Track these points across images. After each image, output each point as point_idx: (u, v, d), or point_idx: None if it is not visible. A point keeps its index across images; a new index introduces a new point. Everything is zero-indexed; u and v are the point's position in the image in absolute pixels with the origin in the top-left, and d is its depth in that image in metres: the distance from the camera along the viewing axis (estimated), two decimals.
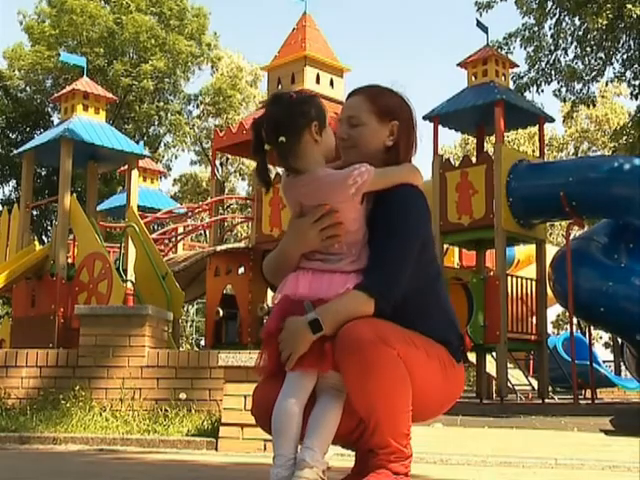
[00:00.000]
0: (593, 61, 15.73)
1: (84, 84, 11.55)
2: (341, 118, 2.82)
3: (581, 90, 15.88)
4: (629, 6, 13.53)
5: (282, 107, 2.61)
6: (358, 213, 2.61)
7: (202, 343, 26.43)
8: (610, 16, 14.01)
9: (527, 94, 15.25)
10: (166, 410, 5.88)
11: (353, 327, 2.50)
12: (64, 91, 11.91)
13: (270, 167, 2.68)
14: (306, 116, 2.60)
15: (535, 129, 13.52)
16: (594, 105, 17.25)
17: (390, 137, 2.77)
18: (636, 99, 16.18)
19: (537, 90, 15.54)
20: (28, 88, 29.77)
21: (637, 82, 15.90)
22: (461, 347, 2.81)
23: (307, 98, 2.67)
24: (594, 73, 15.70)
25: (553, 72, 15.55)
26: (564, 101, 16.23)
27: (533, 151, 12.87)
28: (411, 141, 2.82)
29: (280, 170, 2.81)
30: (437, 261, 2.89)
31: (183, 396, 5.99)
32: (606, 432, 6.37)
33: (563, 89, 15.87)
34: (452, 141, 39.80)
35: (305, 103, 2.63)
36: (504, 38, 15.68)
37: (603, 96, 34.14)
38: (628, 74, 15.94)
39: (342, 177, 2.55)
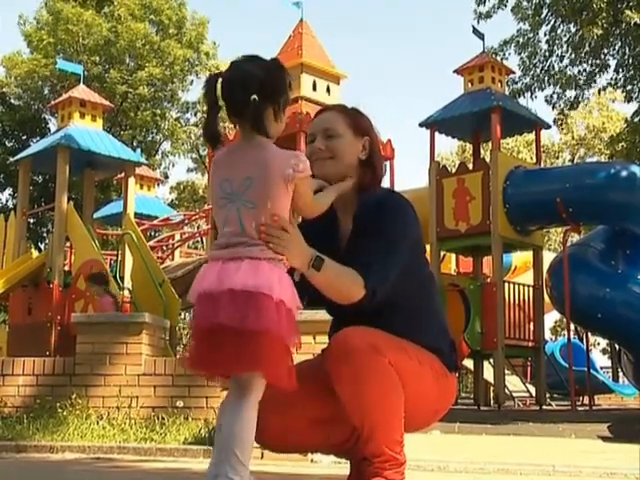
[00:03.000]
0: (588, 67, 15.79)
1: (81, 92, 11.56)
2: (314, 132, 2.85)
3: (576, 97, 15.93)
4: (627, 12, 13.56)
5: (260, 68, 2.47)
6: (288, 202, 2.46)
7: None
8: (605, 25, 14.06)
9: (521, 100, 15.32)
10: (163, 418, 5.86)
11: (344, 336, 2.51)
12: (61, 98, 11.92)
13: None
14: (281, 88, 2.49)
15: (533, 136, 13.51)
16: (576, 107, 17.28)
17: (363, 152, 2.84)
18: (629, 102, 16.25)
19: (531, 96, 15.61)
20: (25, 95, 29.77)
21: (630, 87, 15.96)
22: (453, 355, 2.82)
23: (286, 75, 2.52)
24: (588, 79, 15.75)
25: (547, 78, 15.61)
26: (553, 108, 16.27)
27: (531, 158, 12.87)
28: (382, 161, 2.92)
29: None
30: (428, 267, 2.93)
31: (180, 404, 5.98)
32: (604, 439, 6.36)
33: (555, 96, 15.94)
34: (449, 148, 39.75)
35: (284, 77, 2.51)
36: (499, 45, 15.76)
37: (599, 102, 34.18)
38: (622, 80, 15.99)
39: (288, 154, 2.43)
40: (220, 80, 2.44)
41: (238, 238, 2.40)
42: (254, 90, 2.38)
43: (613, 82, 16.17)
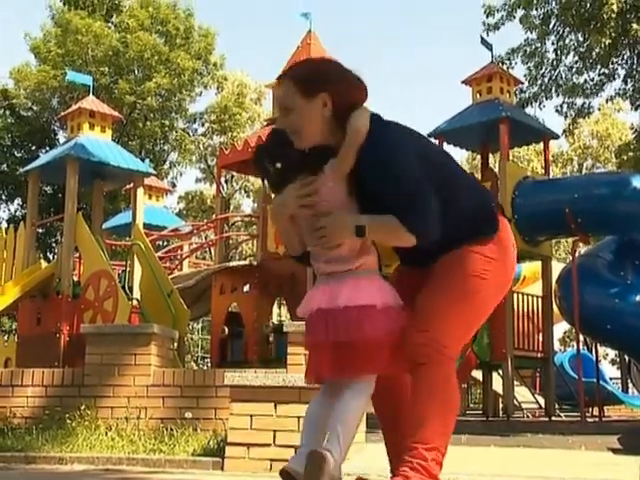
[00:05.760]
0: (595, 76, 15.80)
1: (90, 102, 11.60)
2: (277, 110, 2.97)
3: (582, 105, 15.94)
4: (634, 25, 13.56)
5: None
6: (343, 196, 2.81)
7: (208, 360, 26.40)
8: (613, 34, 14.05)
9: (529, 109, 15.32)
10: (172, 429, 5.86)
11: (411, 345, 2.73)
12: (70, 110, 11.95)
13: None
14: None
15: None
16: (589, 116, 17.31)
17: (325, 107, 2.77)
18: (636, 110, 16.25)
19: (539, 105, 15.61)
20: (34, 107, 29.89)
21: (639, 96, 15.96)
22: (493, 221, 2.97)
23: None
24: (596, 88, 15.77)
25: (554, 87, 15.61)
26: (565, 117, 16.28)
27: (543, 167, 12.96)
28: (351, 96, 2.81)
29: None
30: (447, 163, 2.97)
31: (189, 415, 5.98)
32: (614, 451, 6.33)
33: (565, 105, 15.95)
34: (459, 156, 39.75)
35: None
36: (507, 53, 15.76)
37: (603, 112, 34.14)
38: (631, 89, 16.00)
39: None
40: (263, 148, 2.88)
41: (340, 261, 2.77)
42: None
43: (621, 92, 16.19)
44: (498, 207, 3.05)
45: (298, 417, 4.58)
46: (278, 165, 2.78)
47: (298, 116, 2.75)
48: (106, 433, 5.86)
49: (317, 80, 2.77)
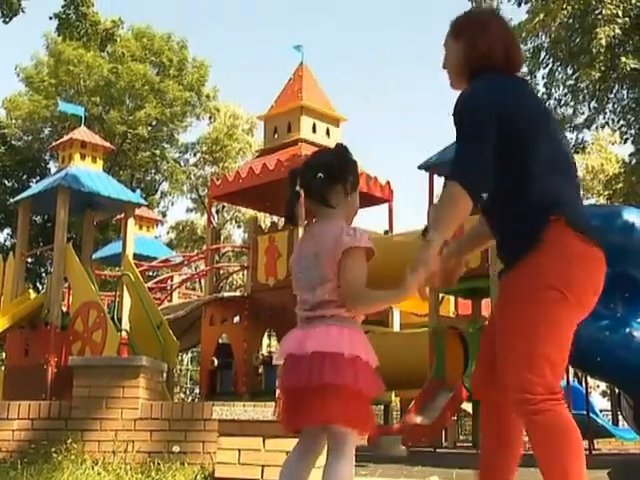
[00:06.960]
0: (586, 110, 15.94)
1: (82, 133, 11.63)
2: None
3: (576, 139, 16.07)
4: (623, 59, 13.71)
5: (329, 153, 2.88)
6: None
7: (197, 391, 26.23)
8: (603, 68, 14.19)
9: None
10: (159, 463, 5.79)
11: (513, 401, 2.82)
12: (62, 140, 11.98)
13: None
14: (346, 168, 2.82)
15: None
16: (584, 151, 17.46)
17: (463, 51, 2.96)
18: (624, 143, 16.41)
19: None
20: (25, 136, 29.94)
21: (632, 131, 16.09)
22: (541, 221, 2.85)
23: (351, 158, 2.88)
24: (587, 122, 15.92)
25: None
26: None
27: None
28: (485, 54, 2.94)
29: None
30: (534, 134, 2.86)
31: (176, 449, 5.91)
32: None
33: None
34: None
35: (349, 159, 2.85)
36: None
37: (597, 144, 34.40)
38: (621, 122, 16.14)
39: (343, 229, 2.72)
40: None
41: (315, 307, 2.70)
42: (321, 170, 2.75)
43: (610, 122, 16.34)
44: (572, 214, 2.88)
45: (287, 452, 4.50)
46: (297, 189, 2.78)
47: (447, 55, 3.03)
48: (92, 467, 5.77)
49: (464, 26, 2.99)
